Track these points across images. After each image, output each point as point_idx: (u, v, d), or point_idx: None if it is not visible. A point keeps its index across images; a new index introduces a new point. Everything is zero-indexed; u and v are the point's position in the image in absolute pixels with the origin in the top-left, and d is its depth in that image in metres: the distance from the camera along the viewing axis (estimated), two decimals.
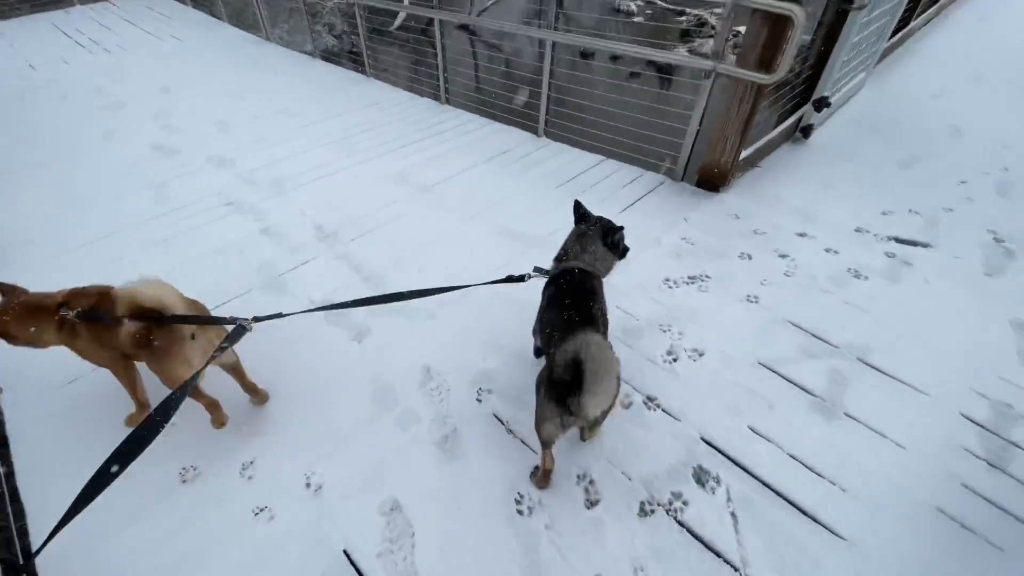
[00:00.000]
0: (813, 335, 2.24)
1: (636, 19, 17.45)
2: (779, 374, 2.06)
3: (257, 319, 1.54)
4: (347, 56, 5.78)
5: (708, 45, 14.66)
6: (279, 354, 2.15)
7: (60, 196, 3.38)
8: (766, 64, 2.56)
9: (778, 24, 2.44)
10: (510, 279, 1.74)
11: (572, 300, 1.57)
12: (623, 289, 2.45)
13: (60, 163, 3.83)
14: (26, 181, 3.61)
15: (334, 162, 3.71)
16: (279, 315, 1.58)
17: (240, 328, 1.49)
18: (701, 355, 2.14)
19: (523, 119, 4.22)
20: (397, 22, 6.97)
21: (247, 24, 7.10)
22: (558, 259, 1.77)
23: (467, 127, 4.26)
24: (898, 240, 2.82)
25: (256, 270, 2.66)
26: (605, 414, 1.46)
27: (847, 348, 2.18)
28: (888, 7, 3.86)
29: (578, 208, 1.92)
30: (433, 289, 1.68)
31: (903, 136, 3.91)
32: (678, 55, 2.84)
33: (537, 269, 1.76)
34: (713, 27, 15.86)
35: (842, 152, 3.68)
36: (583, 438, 1.78)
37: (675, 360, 2.12)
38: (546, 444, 1.53)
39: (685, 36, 16.60)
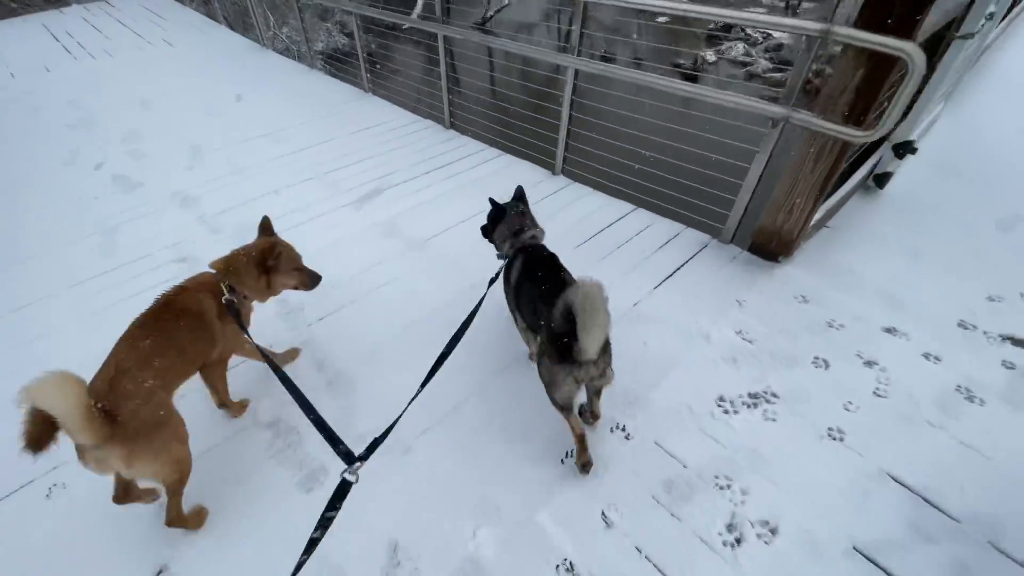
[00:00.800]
0: (924, 499, 1.63)
1: (660, 19, 16.75)
2: (886, 572, 1.46)
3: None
4: (350, 68, 5.21)
5: (738, 49, 13.92)
6: (214, 487, 1.61)
7: None
8: (860, 117, 1.95)
9: (882, 67, 1.82)
10: (491, 283, 1.81)
11: (543, 272, 1.70)
12: (663, 411, 1.87)
13: (7, 194, 3.34)
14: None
15: (314, 204, 3.16)
16: None
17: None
18: (774, 533, 1.54)
19: (539, 152, 3.63)
20: (418, 9, 6.25)
21: (246, 27, 6.60)
22: (508, 241, 1.89)
23: (473, 159, 3.68)
24: (1014, 341, 2.19)
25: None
26: (608, 353, 1.50)
27: (971, 523, 1.57)
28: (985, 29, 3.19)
29: (493, 203, 2.00)
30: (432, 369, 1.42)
31: (995, 185, 3.24)
32: (740, 97, 2.24)
33: (500, 257, 1.93)
34: (743, 29, 15.08)
35: (925, 206, 3.03)
36: (593, 412, 1.77)
37: (738, 541, 1.53)
38: (567, 409, 1.57)
39: (712, 39, 15.85)
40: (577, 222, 2.97)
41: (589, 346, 1.32)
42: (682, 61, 13.34)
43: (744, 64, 13.36)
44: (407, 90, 4.91)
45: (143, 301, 2.34)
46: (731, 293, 2.42)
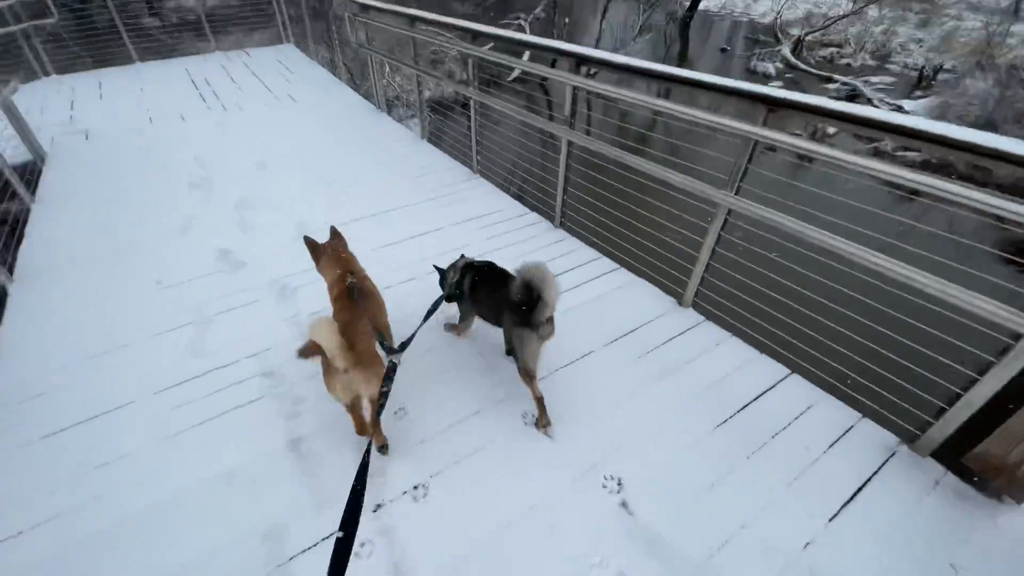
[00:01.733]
0: None
1: (774, 83, 15.93)
2: None
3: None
4: (460, 146, 5.08)
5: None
6: None
7: (87, 321, 2.86)
8: None
9: None
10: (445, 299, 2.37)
11: (493, 275, 2.24)
12: None
13: (120, 265, 3.38)
14: (70, 278, 3.21)
15: (414, 315, 2.88)
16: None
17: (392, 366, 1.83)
18: None
19: (665, 276, 3.16)
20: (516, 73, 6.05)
21: (363, 76, 6.78)
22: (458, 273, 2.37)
23: (584, 271, 3.28)
24: None
25: (262, 537, 1.82)
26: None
27: None
28: None
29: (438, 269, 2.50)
30: None
31: None
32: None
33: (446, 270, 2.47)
34: (870, 100, 13.89)
35: None
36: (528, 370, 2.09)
37: None
38: (532, 375, 2.09)
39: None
40: (713, 384, 2.44)
41: (551, 299, 1.83)
42: (798, 131, 12.45)
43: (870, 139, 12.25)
44: (516, 173, 4.66)
45: (213, 433, 2.23)
46: (940, 548, 1.78)
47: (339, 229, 2.48)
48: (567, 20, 14.57)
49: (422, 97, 5.19)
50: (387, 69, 11.92)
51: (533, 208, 4.06)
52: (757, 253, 2.85)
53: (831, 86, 15.19)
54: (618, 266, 3.33)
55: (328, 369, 1.78)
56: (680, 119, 2.51)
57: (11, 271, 3.32)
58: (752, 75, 16.51)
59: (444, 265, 2.51)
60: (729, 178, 2.40)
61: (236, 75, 7.48)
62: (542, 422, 2.17)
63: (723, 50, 18.78)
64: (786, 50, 17.29)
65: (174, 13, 14.00)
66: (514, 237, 3.67)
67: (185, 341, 2.73)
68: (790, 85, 15.95)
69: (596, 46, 14.93)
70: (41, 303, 3.06)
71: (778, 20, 20.17)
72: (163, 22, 12.83)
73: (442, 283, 2.46)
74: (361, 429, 2.12)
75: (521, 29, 16.90)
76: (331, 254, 2.30)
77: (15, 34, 6.83)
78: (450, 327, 2.71)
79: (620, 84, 2.82)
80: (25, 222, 3.88)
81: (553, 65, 3.56)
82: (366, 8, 5.26)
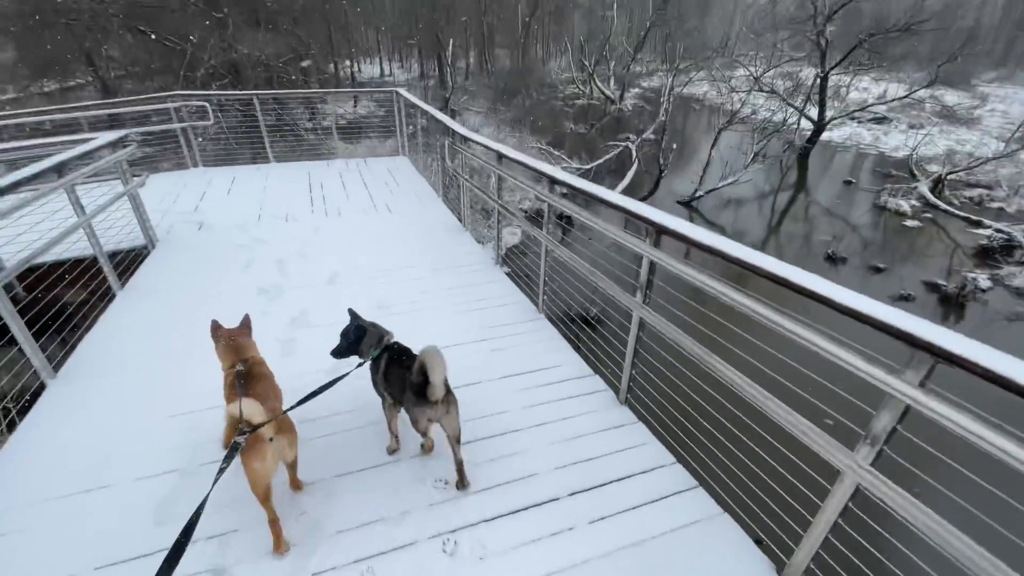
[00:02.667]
0: None
1: (909, 223, 14.32)
2: None
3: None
4: (530, 284, 4.72)
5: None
6: None
7: (86, 447, 2.65)
8: None
9: None
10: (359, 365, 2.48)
11: (405, 358, 2.34)
12: None
13: (147, 377, 3.27)
14: (106, 383, 3.10)
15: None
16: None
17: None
18: None
19: (752, 518, 2.30)
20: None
21: (453, 201, 6.91)
22: (374, 347, 2.48)
23: (642, 462, 2.54)
24: None
25: None
26: (450, 398, 2.26)
27: None
28: None
29: (353, 314, 2.69)
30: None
31: None
32: None
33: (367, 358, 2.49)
34: None
35: None
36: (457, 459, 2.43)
37: None
38: (424, 434, 2.40)
39: (987, 255, 12.73)
40: None
41: (437, 382, 2.09)
42: (941, 282, 10.74)
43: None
44: (584, 319, 4.14)
45: None
46: None
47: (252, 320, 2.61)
48: (675, 145, 14.61)
49: (500, 227, 5.01)
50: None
51: (596, 370, 3.44)
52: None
53: (982, 231, 13.28)
54: (687, 477, 2.54)
55: (253, 446, 1.85)
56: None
57: (60, 364, 3.33)
58: (882, 211, 15.08)
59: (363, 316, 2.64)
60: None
61: (348, 181, 8.08)
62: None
63: (847, 182, 17.62)
64: (924, 187, 15.74)
65: (313, 121, 16.30)
66: (576, 405, 3.06)
67: (157, 498, 2.38)
68: (929, 225, 14.24)
69: (704, 173, 14.68)
70: (63, 412, 2.97)
71: (914, 156, 18.73)
72: (302, 130, 14.89)
73: (354, 337, 2.52)
74: (272, 520, 2.10)
75: (629, 150, 17.32)
76: (226, 342, 2.39)
77: (176, 131, 8.13)
78: (392, 449, 2.69)
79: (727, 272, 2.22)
80: (102, 311, 4.06)
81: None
82: (465, 140, 5.41)
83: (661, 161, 14.35)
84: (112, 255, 4.48)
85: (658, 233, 2.51)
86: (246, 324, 2.60)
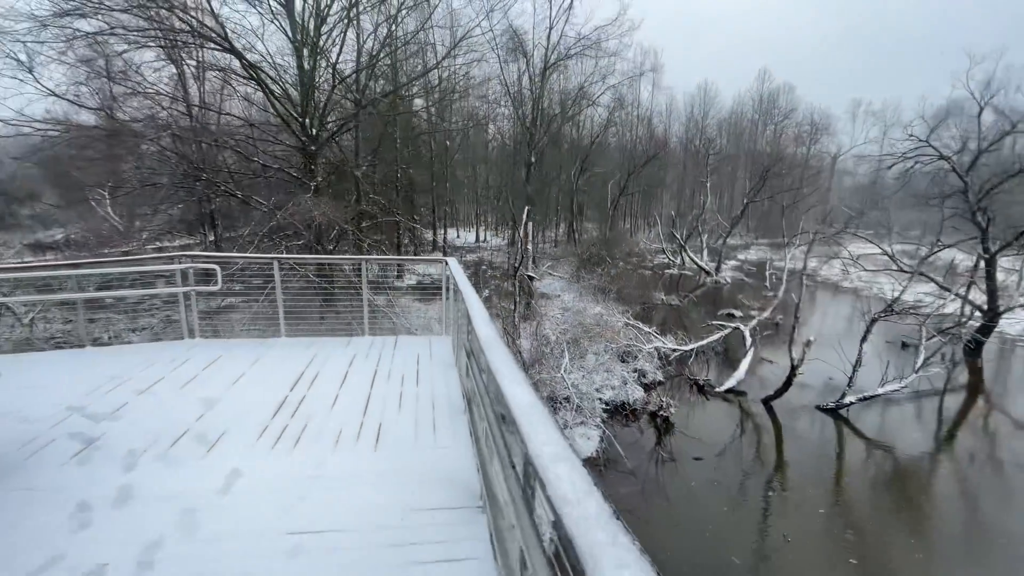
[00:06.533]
0: None
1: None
2: None
3: None
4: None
5: None
6: None
7: None
8: None
9: None
10: None
11: None
12: None
13: None
14: None
15: None
16: None
17: None
18: None
19: None
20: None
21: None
22: None
23: None
24: None
25: None
26: None
27: None
28: None
29: None
30: None
31: None
32: None
33: None
34: None
35: None
36: None
37: None
38: None
39: None
40: None
41: None
42: None
43: None
44: None
45: None
46: None
47: None
48: (812, 339, 11.31)
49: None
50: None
51: None
52: None
53: None
54: None
55: None
56: None
57: None
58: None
59: None
60: None
61: (355, 370, 5.81)
62: None
63: None
64: None
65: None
66: None
67: None
68: None
69: (854, 374, 10.94)
70: None
71: None
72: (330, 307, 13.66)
73: None
74: None
75: (740, 332, 14.17)
76: None
77: (178, 295, 6.63)
78: None
79: None
80: None
81: None
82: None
83: (793, 355, 10.91)
84: None
85: None
86: None
